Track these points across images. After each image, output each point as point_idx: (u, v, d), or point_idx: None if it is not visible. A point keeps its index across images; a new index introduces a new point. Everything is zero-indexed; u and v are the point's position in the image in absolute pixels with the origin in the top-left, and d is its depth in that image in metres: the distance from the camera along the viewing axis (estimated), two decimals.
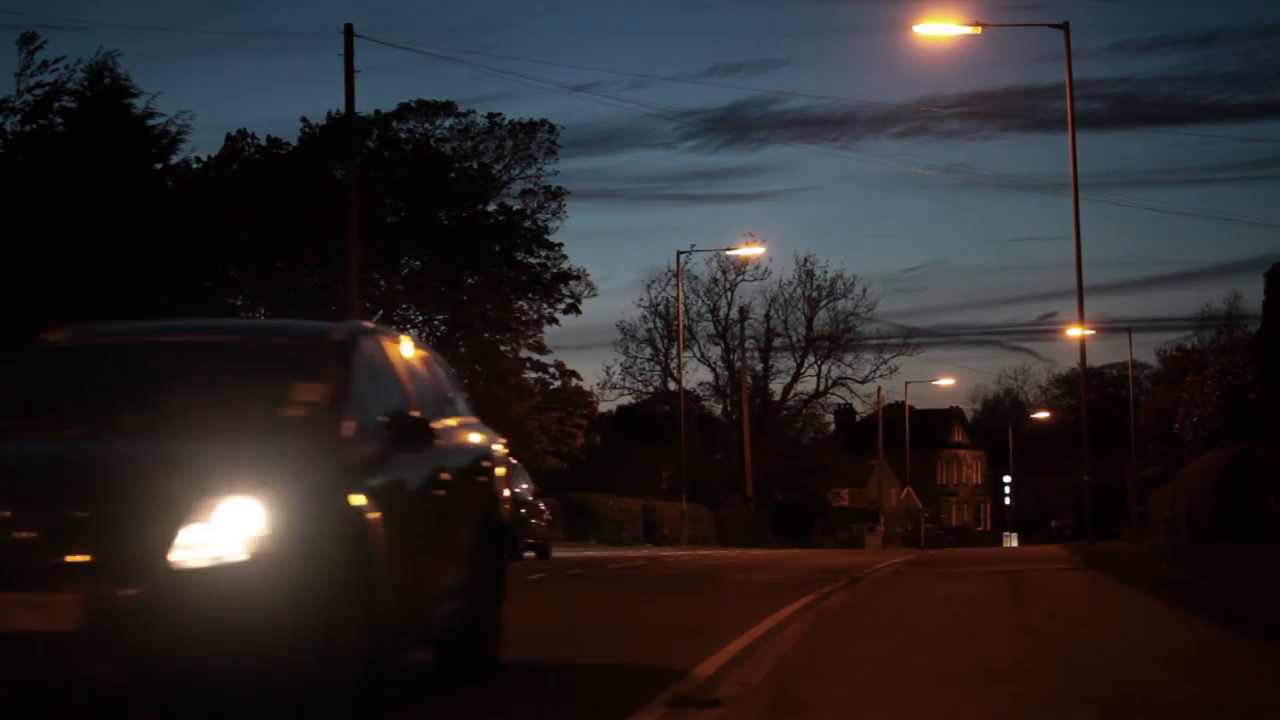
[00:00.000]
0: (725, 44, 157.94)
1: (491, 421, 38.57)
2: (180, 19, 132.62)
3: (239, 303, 41.19)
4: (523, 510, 26.81)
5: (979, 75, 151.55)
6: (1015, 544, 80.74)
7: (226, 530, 5.87)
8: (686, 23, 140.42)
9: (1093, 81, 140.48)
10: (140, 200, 32.66)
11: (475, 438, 8.80)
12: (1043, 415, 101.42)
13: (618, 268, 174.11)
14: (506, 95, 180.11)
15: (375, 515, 6.58)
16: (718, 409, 78.14)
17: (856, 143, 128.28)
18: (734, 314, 74.69)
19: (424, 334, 48.04)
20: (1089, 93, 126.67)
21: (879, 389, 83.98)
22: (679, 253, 78.61)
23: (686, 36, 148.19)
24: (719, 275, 75.32)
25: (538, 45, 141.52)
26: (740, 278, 75.09)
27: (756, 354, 77.03)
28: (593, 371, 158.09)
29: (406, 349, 8.18)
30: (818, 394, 79.60)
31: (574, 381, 53.60)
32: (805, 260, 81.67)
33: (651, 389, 75.41)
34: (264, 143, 44.13)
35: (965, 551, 42.82)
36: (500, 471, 9.00)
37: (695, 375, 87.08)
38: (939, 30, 32.56)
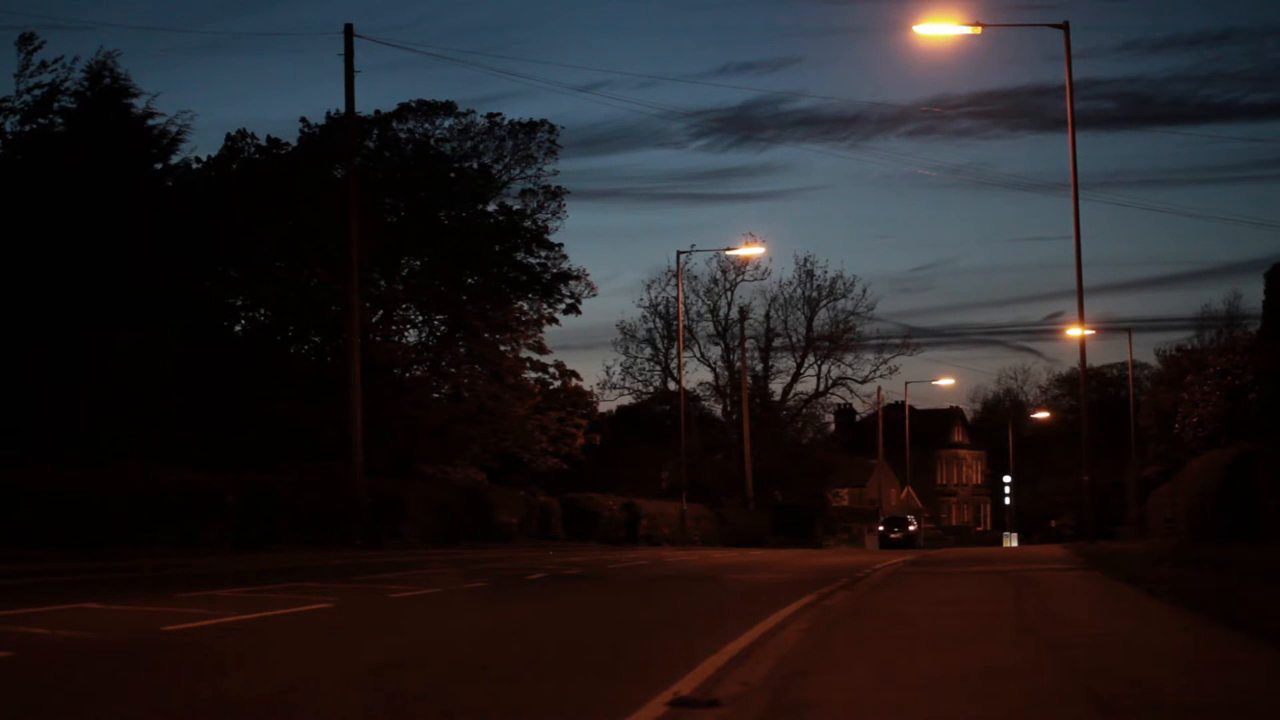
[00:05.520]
0: (736, 43, 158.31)
1: (492, 421, 38.79)
2: (180, 19, 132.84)
3: (239, 302, 41.14)
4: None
5: (990, 75, 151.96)
6: (1015, 544, 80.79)
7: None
8: (697, 22, 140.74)
9: (1105, 81, 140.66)
10: (140, 200, 32.64)
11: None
12: (1043, 415, 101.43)
13: (624, 267, 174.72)
14: (513, 95, 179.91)
15: None
16: (718, 409, 78.20)
17: (866, 142, 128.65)
18: (734, 314, 74.79)
19: (424, 334, 48.02)
20: (1101, 92, 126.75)
21: (879, 389, 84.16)
22: (679, 252, 78.82)
23: (697, 36, 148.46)
24: (719, 275, 75.45)
25: (548, 45, 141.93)
26: (740, 278, 75.20)
27: (756, 354, 77.09)
28: (594, 371, 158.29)
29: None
30: (818, 394, 79.67)
31: (574, 381, 53.55)
32: (805, 260, 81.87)
33: (651, 389, 75.42)
34: (264, 143, 44.11)
35: (965, 551, 42.79)
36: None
37: (695, 375, 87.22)
38: (939, 30, 32.55)
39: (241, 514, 30.35)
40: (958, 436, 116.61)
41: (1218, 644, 9.79)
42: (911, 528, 73.51)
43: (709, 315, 75.76)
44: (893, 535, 71.39)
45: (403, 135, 47.52)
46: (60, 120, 33.06)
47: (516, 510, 45.19)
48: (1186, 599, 12.78)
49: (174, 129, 34.94)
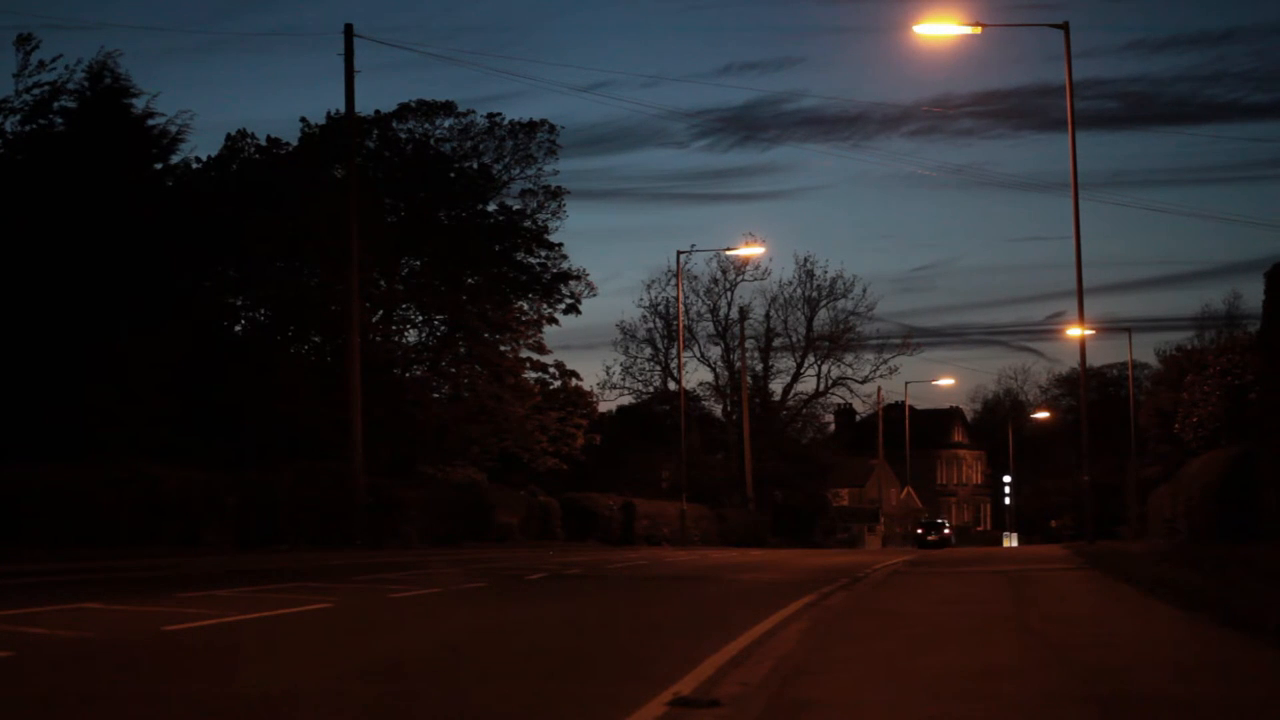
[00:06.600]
0: (737, 43, 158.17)
1: (492, 421, 38.49)
2: (181, 19, 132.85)
3: (239, 302, 41.14)
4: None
5: (992, 74, 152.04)
6: (1015, 544, 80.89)
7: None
8: (698, 22, 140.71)
9: (1107, 80, 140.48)
10: (140, 200, 32.64)
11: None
12: (1043, 415, 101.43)
13: (625, 267, 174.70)
14: (513, 95, 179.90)
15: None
16: (718, 409, 78.17)
17: (868, 142, 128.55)
18: (734, 314, 74.78)
19: (424, 334, 48.03)
20: (1104, 91, 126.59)
21: (879, 389, 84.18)
22: (679, 253, 78.77)
23: (698, 36, 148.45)
24: (719, 275, 75.42)
25: (548, 45, 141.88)
26: (740, 278, 75.18)
27: (756, 354, 77.06)
28: (594, 371, 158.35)
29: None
30: (818, 394, 79.62)
31: (574, 381, 53.60)
32: (805, 260, 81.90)
33: (651, 389, 75.41)
34: (264, 143, 44.15)
35: (965, 551, 42.80)
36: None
37: (695, 375, 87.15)
38: (940, 30, 32.53)
39: (242, 514, 30.35)
40: (958, 436, 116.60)
41: (1217, 644, 9.79)
42: (946, 531, 79.34)
43: (709, 315, 75.82)
44: (929, 538, 74.46)
45: (403, 135, 47.55)
46: (60, 120, 33.05)
47: (516, 510, 45.18)
48: (1186, 599, 12.77)
49: (174, 129, 34.95)
